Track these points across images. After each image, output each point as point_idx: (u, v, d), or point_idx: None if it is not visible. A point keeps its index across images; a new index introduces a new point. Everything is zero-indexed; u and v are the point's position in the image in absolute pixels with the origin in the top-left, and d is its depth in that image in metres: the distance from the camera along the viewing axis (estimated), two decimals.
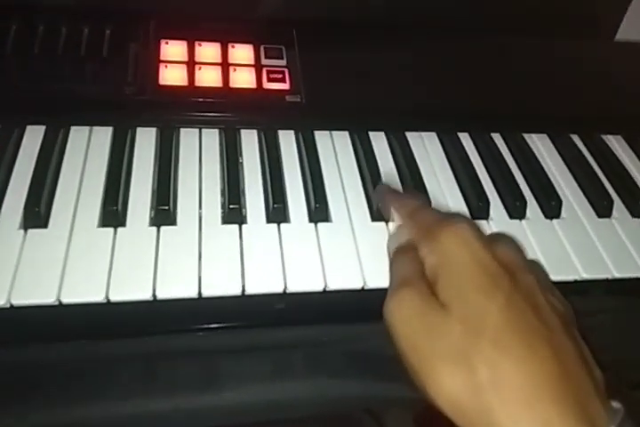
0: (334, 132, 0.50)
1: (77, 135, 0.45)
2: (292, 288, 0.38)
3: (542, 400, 0.27)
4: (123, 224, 0.40)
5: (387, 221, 0.43)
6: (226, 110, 0.48)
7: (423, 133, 0.52)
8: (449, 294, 0.30)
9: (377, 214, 0.43)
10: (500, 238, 0.33)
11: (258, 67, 0.51)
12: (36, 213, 0.39)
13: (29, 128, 0.45)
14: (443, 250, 0.32)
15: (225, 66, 0.50)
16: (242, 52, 0.52)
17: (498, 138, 0.53)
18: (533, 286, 0.31)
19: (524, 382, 0.27)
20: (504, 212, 0.46)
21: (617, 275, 0.43)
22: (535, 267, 0.33)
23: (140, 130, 0.47)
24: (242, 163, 0.46)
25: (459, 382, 0.28)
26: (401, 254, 0.35)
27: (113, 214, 0.40)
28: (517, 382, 0.27)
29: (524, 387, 0.27)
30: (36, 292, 0.35)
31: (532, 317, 0.29)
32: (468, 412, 0.27)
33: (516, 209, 0.46)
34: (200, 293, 0.37)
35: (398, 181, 0.47)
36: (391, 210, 0.41)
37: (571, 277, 0.42)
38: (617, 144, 0.55)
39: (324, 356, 0.40)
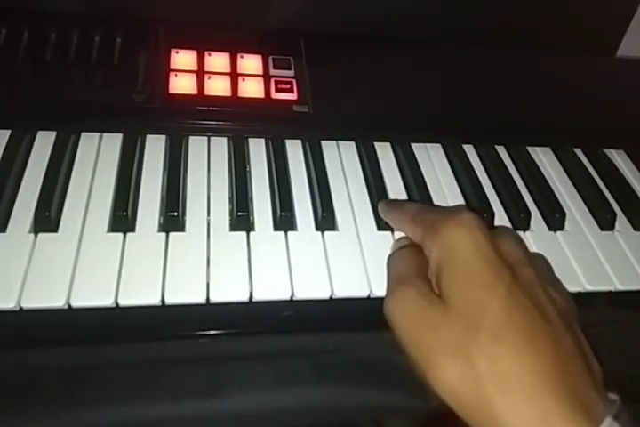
0: (341, 142, 0.51)
1: (88, 141, 0.46)
2: (298, 295, 0.38)
3: (541, 392, 0.27)
4: (132, 229, 0.40)
5: (392, 231, 0.43)
6: (234, 119, 0.49)
7: (428, 145, 0.52)
8: (450, 287, 0.30)
9: (383, 224, 0.44)
10: (503, 232, 0.34)
11: (266, 77, 0.51)
12: (47, 218, 0.39)
13: (40, 134, 0.45)
14: (446, 242, 0.32)
15: (234, 76, 0.51)
16: (250, 63, 0.52)
17: (502, 150, 0.54)
18: (534, 280, 0.31)
19: (523, 374, 0.28)
20: (508, 223, 0.46)
21: (620, 287, 0.43)
22: (538, 260, 0.34)
23: (149, 137, 0.47)
24: (250, 171, 0.46)
25: (459, 374, 0.28)
26: (398, 252, 0.36)
27: (122, 220, 0.40)
28: (517, 374, 0.28)
29: (523, 379, 0.27)
30: (46, 295, 0.35)
31: (532, 310, 0.29)
32: (469, 403, 0.28)
33: (520, 221, 0.46)
34: (208, 298, 0.37)
35: (404, 191, 0.47)
36: (395, 218, 0.41)
37: (574, 289, 0.42)
38: (619, 158, 0.56)
39: (329, 363, 0.40)
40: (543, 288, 0.31)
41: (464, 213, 0.33)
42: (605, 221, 0.48)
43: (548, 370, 0.28)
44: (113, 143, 0.46)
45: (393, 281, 0.34)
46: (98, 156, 0.45)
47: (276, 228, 0.42)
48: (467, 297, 0.30)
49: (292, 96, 0.51)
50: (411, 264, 0.34)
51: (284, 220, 0.42)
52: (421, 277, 0.32)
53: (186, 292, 0.37)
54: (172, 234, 0.40)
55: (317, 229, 0.43)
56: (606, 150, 0.56)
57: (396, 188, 0.47)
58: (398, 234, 0.43)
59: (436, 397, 0.29)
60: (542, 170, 0.52)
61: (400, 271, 0.34)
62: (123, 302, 0.36)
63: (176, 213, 0.41)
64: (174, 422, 0.37)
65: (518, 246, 0.33)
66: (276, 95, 0.50)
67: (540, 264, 0.34)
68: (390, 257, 0.37)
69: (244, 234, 0.41)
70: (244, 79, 0.51)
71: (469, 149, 0.53)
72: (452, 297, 0.30)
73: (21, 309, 0.35)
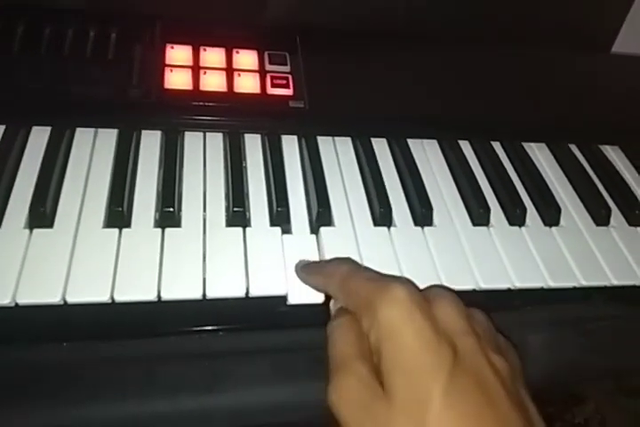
0: (337, 138, 0.51)
1: (83, 137, 0.45)
2: (294, 291, 0.38)
3: None
4: (128, 225, 0.40)
5: (389, 227, 0.43)
6: (230, 115, 0.49)
7: (424, 141, 0.52)
8: (392, 376, 0.29)
9: (379, 220, 0.44)
10: (437, 296, 0.32)
11: (262, 72, 0.51)
12: (42, 213, 0.39)
13: (35, 129, 0.45)
14: (383, 326, 0.30)
15: (229, 71, 0.51)
16: (246, 58, 0.52)
17: (497, 146, 0.54)
18: (475, 351, 0.30)
19: None
20: (504, 219, 0.47)
21: (615, 282, 0.43)
22: (477, 319, 0.32)
23: (145, 132, 0.47)
24: (245, 166, 0.46)
25: None
26: (336, 327, 0.33)
27: (118, 215, 0.40)
28: None
29: None
30: (41, 291, 0.35)
31: (477, 394, 0.28)
32: None
33: (516, 216, 0.46)
34: (204, 294, 0.37)
35: (400, 186, 0.47)
36: (317, 283, 0.38)
37: (570, 284, 0.43)
38: (614, 154, 0.56)
39: (325, 359, 0.40)
40: (486, 357, 0.30)
41: (396, 286, 0.31)
42: (600, 217, 0.48)
43: None
44: (108, 139, 0.46)
45: (334, 365, 0.32)
46: (93, 151, 0.45)
47: (273, 223, 0.42)
48: (408, 389, 0.28)
49: (288, 92, 0.51)
50: (351, 343, 0.32)
51: (281, 215, 0.42)
52: (362, 360, 0.31)
53: (182, 287, 0.37)
54: (167, 230, 0.40)
55: (313, 224, 0.43)
56: (601, 146, 0.57)
57: (392, 183, 0.47)
58: (395, 230, 0.43)
59: None
60: (538, 166, 0.52)
61: (340, 353, 0.32)
62: (119, 298, 0.36)
63: (172, 209, 0.41)
64: (171, 417, 0.37)
65: (456, 311, 0.32)
66: (271, 91, 0.50)
67: (479, 324, 0.32)
68: (330, 329, 0.34)
69: (240, 230, 0.41)
70: (239, 74, 0.51)
71: (465, 145, 0.53)
72: (394, 389, 0.29)
73: (17, 304, 0.35)
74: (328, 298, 0.36)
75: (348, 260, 0.38)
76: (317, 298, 0.38)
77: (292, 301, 0.38)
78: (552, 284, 0.42)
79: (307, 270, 0.39)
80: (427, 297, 0.32)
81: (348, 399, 0.30)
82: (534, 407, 0.30)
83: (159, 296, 0.36)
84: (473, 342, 0.30)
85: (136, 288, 0.36)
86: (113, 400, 0.37)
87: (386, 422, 0.28)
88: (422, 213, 0.45)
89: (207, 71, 0.50)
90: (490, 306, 0.35)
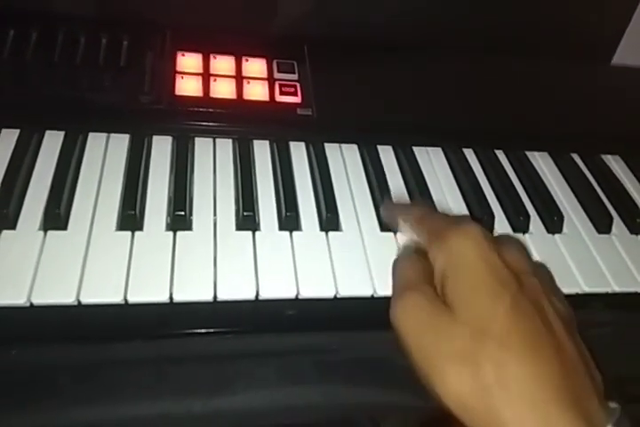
0: (344, 145, 0.51)
1: (95, 141, 0.46)
2: (304, 294, 0.39)
3: (544, 399, 0.28)
4: (140, 228, 0.40)
5: (395, 232, 0.44)
6: (239, 121, 0.49)
7: (429, 148, 0.53)
8: (457, 295, 0.31)
9: (385, 225, 0.45)
10: (507, 241, 0.34)
11: (270, 80, 0.52)
12: (57, 215, 0.39)
13: (49, 133, 0.46)
14: (452, 251, 0.32)
15: (239, 78, 0.52)
16: (255, 66, 0.53)
17: (501, 155, 0.55)
18: (538, 289, 0.32)
19: (528, 383, 0.28)
20: (508, 226, 0.47)
21: (617, 289, 0.44)
22: (541, 270, 0.34)
23: (156, 138, 0.48)
24: (255, 172, 0.47)
25: (465, 382, 0.28)
26: (403, 258, 0.36)
27: (131, 218, 0.40)
28: (522, 382, 0.28)
29: (528, 387, 0.28)
30: (56, 291, 0.36)
31: (537, 319, 0.30)
32: (475, 411, 0.28)
33: (519, 223, 0.47)
34: (215, 296, 0.38)
35: (406, 193, 0.48)
36: (399, 220, 0.42)
37: (572, 291, 0.43)
38: (615, 163, 0.57)
39: (332, 362, 0.41)
40: (547, 297, 0.32)
41: (470, 223, 0.33)
42: (602, 225, 0.49)
43: (552, 378, 0.28)
44: (120, 143, 0.47)
45: (399, 286, 0.34)
46: (105, 156, 0.45)
47: (282, 228, 0.43)
48: (473, 305, 0.30)
49: (296, 99, 0.52)
50: (416, 270, 0.34)
51: (289, 220, 0.43)
52: (427, 283, 0.33)
53: (193, 289, 0.38)
54: (179, 233, 0.41)
55: (322, 229, 0.43)
56: (603, 156, 0.58)
57: (397, 190, 0.48)
58: (401, 235, 0.44)
59: (439, 401, 0.29)
60: (541, 174, 0.53)
61: (406, 277, 0.34)
62: (131, 299, 0.36)
63: (183, 213, 0.41)
64: (181, 419, 0.38)
65: (523, 256, 0.34)
66: (280, 98, 0.51)
67: (543, 274, 0.34)
68: (395, 262, 0.37)
69: (249, 233, 0.42)
70: (248, 82, 0.51)
71: (469, 154, 0.54)
72: (458, 305, 0.30)
73: (32, 305, 0.35)
74: None
75: (425, 205, 0.42)
76: (329, 292, 0.39)
77: (303, 294, 0.39)
78: None
79: (390, 207, 0.43)
80: (498, 239, 0.33)
81: (411, 311, 0.31)
82: (589, 356, 0.31)
83: (171, 298, 0.37)
84: (537, 282, 0.32)
85: (148, 290, 0.37)
86: (122, 401, 0.37)
87: (448, 333, 0.30)
88: None
89: (217, 78, 0.51)
90: None
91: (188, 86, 0.50)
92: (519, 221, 0.47)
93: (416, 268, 0.34)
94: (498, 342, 0.29)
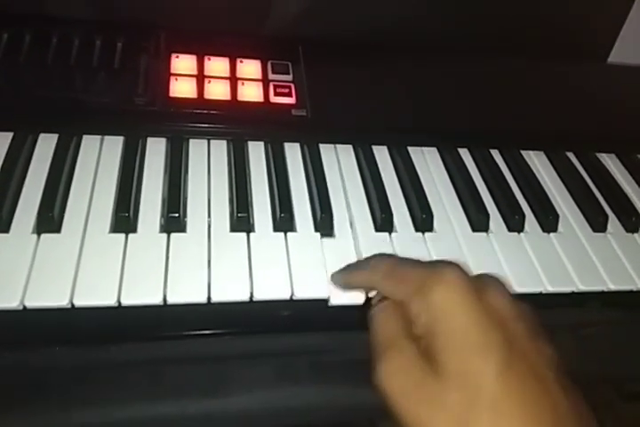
0: (339, 146, 0.51)
1: (89, 144, 0.46)
2: (298, 295, 0.39)
3: None
4: (134, 230, 0.40)
5: (390, 232, 0.44)
6: (234, 123, 0.49)
7: (424, 148, 0.53)
8: (446, 356, 0.29)
9: (380, 226, 0.45)
10: (488, 283, 0.32)
11: (265, 81, 0.52)
12: (50, 218, 0.39)
13: (42, 136, 0.46)
14: (436, 307, 0.30)
15: (233, 80, 0.52)
16: (249, 67, 0.53)
17: (496, 154, 0.55)
18: (526, 335, 0.30)
19: None
20: (503, 225, 0.47)
21: (612, 287, 0.44)
22: (524, 310, 0.33)
23: (150, 140, 0.48)
24: (249, 173, 0.47)
25: None
26: (379, 312, 0.34)
27: (124, 221, 0.40)
28: None
29: None
30: (49, 294, 0.36)
31: (530, 378, 0.29)
32: None
33: (514, 222, 0.47)
34: (209, 298, 0.37)
35: (401, 193, 0.48)
36: (363, 278, 0.38)
37: (568, 289, 0.43)
38: (610, 162, 0.57)
39: (327, 363, 0.41)
40: (535, 345, 0.30)
41: (448, 270, 0.31)
42: (598, 223, 0.49)
43: None
44: (114, 146, 0.47)
45: (380, 345, 0.32)
46: (99, 158, 0.45)
47: (276, 229, 0.43)
48: (462, 367, 0.29)
49: (291, 100, 0.52)
50: (396, 325, 0.32)
51: (284, 221, 0.43)
52: (408, 340, 0.31)
53: (187, 291, 0.37)
54: (173, 235, 0.41)
55: (316, 230, 0.43)
56: (598, 154, 0.57)
57: (392, 190, 0.48)
58: (396, 236, 0.44)
59: None
60: (536, 173, 0.53)
61: (385, 333, 0.32)
62: (125, 302, 0.36)
63: (177, 215, 0.41)
64: (175, 420, 0.38)
65: (506, 299, 0.32)
66: (274, 99, 0.51)
67: (527, 315, 0.32)
68: (371, 316, 0.34)
69: (244, 235, 0.42)
70: (243, 83, 0.52)
71: (464, 153, 0.54)
72: (448, 367, 0.29)
73: (25, 308, 0.35)
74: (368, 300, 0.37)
75: (389, 254, 0.39)
76: (323, 293, 0.39)
77: (298, 295, 0.39)
78: (550, 289, 0.43)
79: (347, 271, 0.39)
80: (480, 285, 0.32)
81: (397, 377, 0.30)
82: (581, 400, 0.30)
83: (165, 300, 0.37)
84: (523, 327, 0.31)
85: (142, 292, 0.37)
86: (118, 404, 0.37)
87: (439, 401, 0.28)
88: (423, 219, 0.45)
89: (211, 80, 0.51)
90: None
91: (182, 88, 0.50)
92: (514, 220, 0.47)
93: (395, 322, 0.32)
94: (491, 409, 0.27)
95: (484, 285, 0.32)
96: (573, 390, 0.30)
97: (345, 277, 0.39)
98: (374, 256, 0.39)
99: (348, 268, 0.40)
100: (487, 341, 0.29)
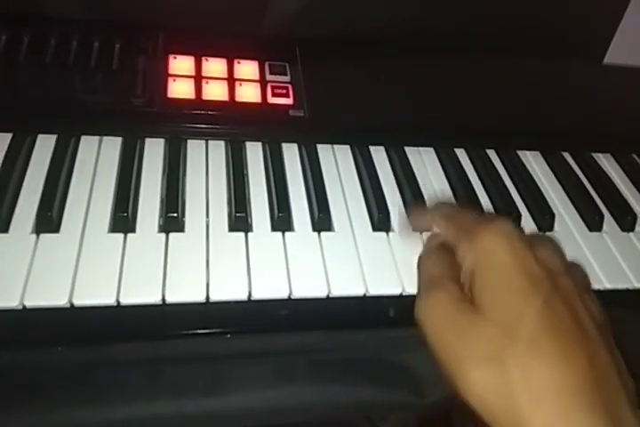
0: (336, 146, 0.52)
1: (88, 144, 0.46)
2: (296, 294, 0.39)
3: (573, 405, 0.26)
4: (132, 230, 0.41)
5: (387, 232, 0.44)
6: (231, 123, 0.50)
7: (421, 149, 0.54)
8: (486, 294, 0.30)
9: (377, 225, 0.45)
10: (541, 240, 0.33)
11: (262, 82, 0.52)
12: (49, 218, 0.40)
13: (41, 137, 0.46)
14: (483, 249, 0.31)
15: (231, 81, 0.52)
16: (247, 68, 0.53)
17: (492, 154, 0.55)
18: (573, 291, 0.30)
19: (556, 386, 0.27)
20: None
21: (608, 286, 0.44)
22: (576, 271, 0.32)
23: (148, 140, 0.48)
24: (247, 173, 0.47)
25: (491, 381, 0.28)
26: (429, 254, 0.35)
27: (123, 220, 0.41)
28: (550, 386, 0.27)
29: (556, 391, 0.27)
30: (49, 294, 0.36)
31: (570, 322, 0.29)
32: (498, 411, 0.27)
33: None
34: (208, 297, 0.38)
35: (398, 193, 0.48)
36: (426, 218, 0.40)
37: None
38: (606, 161, 0.58)
39: (326, 362, 0.41)
40: (581, 299, 0.30)
41: (502, 221, 0.32)
42: (593, 223, 0.49)
43: (582, 384, 0.27)
44: (113, 146, 0.47)
45: (425, 283, 0.33)
46: (98, 158, 0.46)
47: (274, 228, 0.43)
48: (502, 305, 0.29)
49: (288, 101, 0.52)
50: (443, 266, 0.33)
51: (282, 220, 0.43)
52: (453, 281, 0.32)
53: (186, 291, 0.38)
54: (171, 234, 0.41)
55: (314, 229, 0.44)
56: (594, 154, 0.58)
57: (389, 190, 0.48)
58: (393, 235, 0.44)
59: (463, 399, 0.29)
60: (532, 173, 0.54)
61: (432, 273, 0.33)
62: (124, 301, 0.36)
63: (176, 215, 0.41)
64: (175, 419, 0.38)
65: (557, 255, 0.32)
66: (272, 100, 0.51)
67: (578, 274, 0.33)
68: (421, 257, 0.36)
69: (242, 235, 0.42)
70: (240, 84, 0.52)
71: (461, 153, 0.54)
72: (487, 304, 0.29)
73: (24, 307, 0.36)
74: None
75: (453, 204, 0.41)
76: (321, 292, 0.39)
77: (296, 294, 0.39)
78: None
79: (420, 208, 0.42)
80: (532, 238, 0.32)
81: (437, 309, 0.31)
82: (623, 363, 0.30)
83: (164, 299, 0.37)
84: (571, 282, 0.31)
85: (141, 291, 0.37)
86: (117, 403, 0.37)
87: (474, 333, 0.29)
88: None
89: (209, 81, 0.51)
90: None
91: (180, 89, 0.50)
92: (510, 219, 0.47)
93: (442, 264, 0.34)
94: (527, 344, 0.28)
95: (538, 240, 0.33)
96: (617, 351, 0.30)
97: (412, 216, 0.43)
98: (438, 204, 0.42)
99: (417, 209, 0.43)
100: (531, 284, 0.29)
